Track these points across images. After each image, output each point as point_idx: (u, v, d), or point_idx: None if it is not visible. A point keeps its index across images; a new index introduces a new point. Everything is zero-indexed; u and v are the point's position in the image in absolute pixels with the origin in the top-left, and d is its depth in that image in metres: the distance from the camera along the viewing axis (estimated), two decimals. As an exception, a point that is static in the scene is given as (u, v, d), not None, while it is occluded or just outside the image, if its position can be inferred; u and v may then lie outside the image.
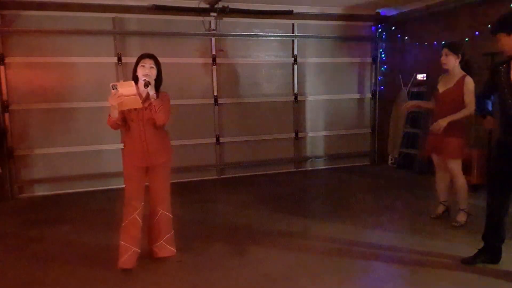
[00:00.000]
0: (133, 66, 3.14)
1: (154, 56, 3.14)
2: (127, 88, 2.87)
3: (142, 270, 3.20)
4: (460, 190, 3.98)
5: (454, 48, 3.83)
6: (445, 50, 3.84)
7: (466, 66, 3.87)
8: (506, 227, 3.15)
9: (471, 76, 3.80)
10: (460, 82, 3.79)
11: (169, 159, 3.34)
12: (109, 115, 3.03)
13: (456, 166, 3.92)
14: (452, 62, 3.83)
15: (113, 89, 2.84)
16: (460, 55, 3.83)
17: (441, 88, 3.95)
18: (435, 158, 4.14)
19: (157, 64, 3.13)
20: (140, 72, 3.06)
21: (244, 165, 6.62)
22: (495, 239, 3.15)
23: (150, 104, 3.04)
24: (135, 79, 3.09)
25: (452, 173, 3.97)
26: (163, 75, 3.19)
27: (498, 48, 3.00)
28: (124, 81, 3.05)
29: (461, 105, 3.78)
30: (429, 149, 4.13)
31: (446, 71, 3.93)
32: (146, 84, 2.98)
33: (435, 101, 4.04)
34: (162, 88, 3.22)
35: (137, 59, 3.13)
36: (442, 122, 3.76)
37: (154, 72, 3.08)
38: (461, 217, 4.01)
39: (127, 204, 3.20)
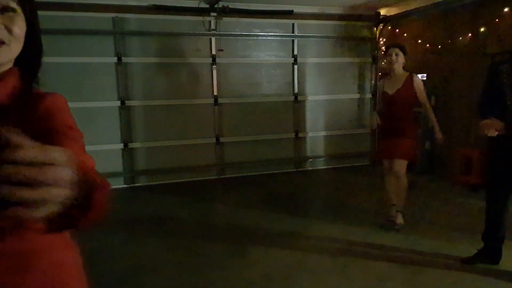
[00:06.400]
0: None
1: None
2: None
3: (142, 270, 3.20)
4: (402, 192, 3.95)
5: (403, 49, 3.90)
6: (396, 50, 3.87)
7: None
8: (506, 227, 3.14)
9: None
10: (409, 82, 3.81)
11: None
12: None
13: (402, 167, 3.88)
14: (401, 61, 3.87)
15: None
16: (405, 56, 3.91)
17: (389, 90, 3.91)
18: (385, 161, 4.06)
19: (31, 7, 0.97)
20: None
21: (244, 165, 6.62)
22: (494, 239, 3.14)
23: None
24: None
25: (397, 174, 3.89)
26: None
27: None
28: None
29: (412, 104, 3.86)
30: (381, 152, 4.14)
31: (390, 72, 3.94)
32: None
33: (385, 104, 4.02)
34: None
35: None
36: (440, 135, 3.88)
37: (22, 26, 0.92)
38: (401, 219, 4.00)
39: None
